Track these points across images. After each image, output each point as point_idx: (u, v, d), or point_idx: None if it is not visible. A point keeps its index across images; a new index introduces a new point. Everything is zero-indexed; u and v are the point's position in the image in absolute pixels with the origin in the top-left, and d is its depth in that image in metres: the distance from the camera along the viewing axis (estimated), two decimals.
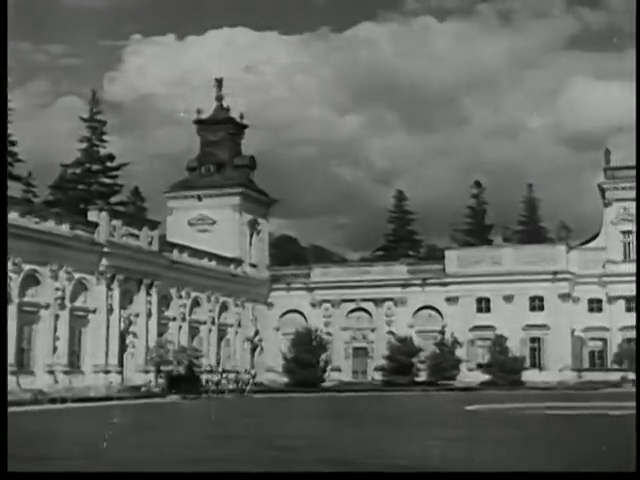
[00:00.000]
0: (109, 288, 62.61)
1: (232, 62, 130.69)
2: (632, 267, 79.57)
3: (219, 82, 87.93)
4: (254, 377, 64.94)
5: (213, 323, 77.37)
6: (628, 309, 79.15)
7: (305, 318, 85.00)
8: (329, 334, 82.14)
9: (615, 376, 73.61)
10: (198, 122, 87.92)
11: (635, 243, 79.05)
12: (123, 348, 64.57)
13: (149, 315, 67.34)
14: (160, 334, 68.73)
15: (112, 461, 17.89)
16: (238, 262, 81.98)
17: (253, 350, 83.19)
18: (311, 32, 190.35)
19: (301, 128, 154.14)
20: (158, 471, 15.32)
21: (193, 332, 74.53)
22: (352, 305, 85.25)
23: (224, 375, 63.74)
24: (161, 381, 62.79)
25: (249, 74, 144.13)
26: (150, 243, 67.41)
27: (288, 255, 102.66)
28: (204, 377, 62.14)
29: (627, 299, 79.29)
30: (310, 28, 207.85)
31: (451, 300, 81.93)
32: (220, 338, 78.61)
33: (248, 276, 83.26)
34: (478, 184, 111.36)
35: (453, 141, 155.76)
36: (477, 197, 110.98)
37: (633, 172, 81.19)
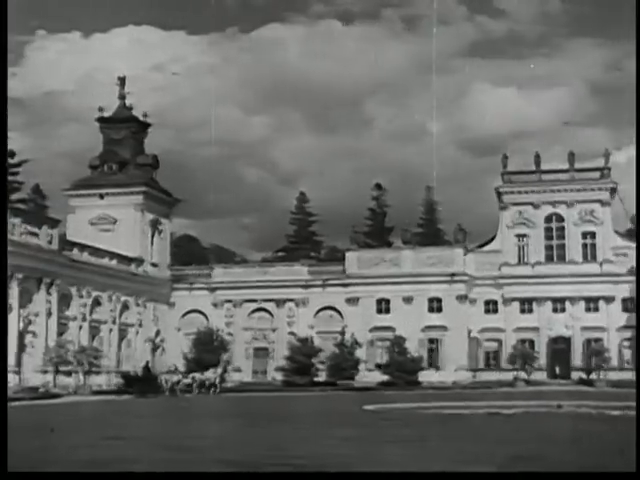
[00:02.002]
0: (8, 287, 61.67)
1: (138, 61, 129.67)
2: (526, 269, 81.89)
3: (122, 80, 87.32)
4: (223, 375, 64.39)
5: (114, 323, 76.94)
6: (522, 311, 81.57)
7: (207, 318, 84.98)
8: (230, 334, 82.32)
9: (508, 376, 75.65)
10: (100, 120, 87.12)
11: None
12: (22, 348, 63.74)
13: (49, 314, 66.68)
14: (60, 334, 68.12)
15: (10, 463, 17.86)
16: (139, 261, 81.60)
17: (154, 350, 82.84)
18: (218, 32, 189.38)
19: (207, 128, 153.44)
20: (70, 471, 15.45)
21: (94, 332, 74.04)
22: (254, 305, 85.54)
23: (189, 375, 63.04)
24: (69, 381, 62.26)
25: (155, 73, 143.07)
26: (50, 242, 66.70)
27: (189, 255, 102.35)
28: (163, 377, 61.77)
29: (522, 301, 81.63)
30: (217, 28, 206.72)
31: (351, 301, 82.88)
32: (121, 338, 78.20)
33: (149, 275, 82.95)
34: (379, 186, 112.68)
35: (357, 143, 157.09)
36: (378, 199, 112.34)
37: (529, 177, 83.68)
